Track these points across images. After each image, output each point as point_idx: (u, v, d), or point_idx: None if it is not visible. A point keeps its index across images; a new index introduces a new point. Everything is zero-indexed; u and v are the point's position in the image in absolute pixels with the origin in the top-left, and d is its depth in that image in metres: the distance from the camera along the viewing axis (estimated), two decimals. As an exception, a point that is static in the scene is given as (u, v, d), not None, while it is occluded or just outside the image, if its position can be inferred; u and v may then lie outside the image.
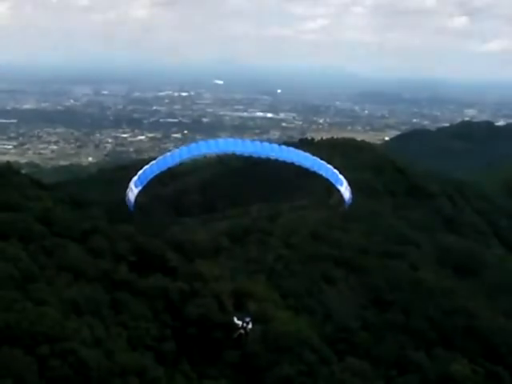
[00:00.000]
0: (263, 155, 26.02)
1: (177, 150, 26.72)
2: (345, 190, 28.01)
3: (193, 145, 26.55)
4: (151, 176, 26.40)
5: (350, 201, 28.15)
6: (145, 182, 26.34)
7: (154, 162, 26.57)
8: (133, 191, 26.38)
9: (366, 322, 55.73)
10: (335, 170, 27.05)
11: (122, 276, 58.78)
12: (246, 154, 26.15)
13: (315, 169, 26.56)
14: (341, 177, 27.47)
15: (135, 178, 26.48)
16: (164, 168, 26.56)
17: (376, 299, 62.99)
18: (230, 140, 28.52)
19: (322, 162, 27.08)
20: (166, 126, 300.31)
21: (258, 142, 26.60)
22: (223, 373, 37.36)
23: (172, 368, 41.99)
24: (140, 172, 26.31)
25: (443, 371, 47.60)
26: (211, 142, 27.31)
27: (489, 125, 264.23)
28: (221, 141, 28.05)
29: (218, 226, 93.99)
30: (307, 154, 26.58)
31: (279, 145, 27.36)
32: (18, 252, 55.05)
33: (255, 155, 25.83)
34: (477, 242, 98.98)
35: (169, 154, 26.84)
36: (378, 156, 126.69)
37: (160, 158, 26.35)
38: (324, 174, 26.87)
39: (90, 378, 39.94)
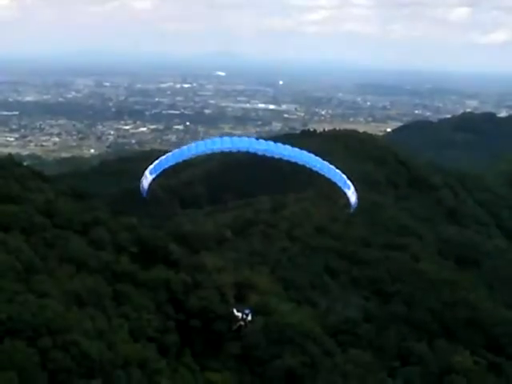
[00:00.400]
0: (277, 156, 26.52)
1: (193, 144, 27.37)
2: (351, 194, 28.35)
3: (208, 141, 27.14)
4: (166, 166, 27.14)
5: (356, 205, 28.56)
6: (159, 171, 27.16)
7: (169, 153, 27.38)
8: (147, 178, 27.32)
9: (369, 314, 55.71)
10: (343, 175, 27.51)
11: (124, 267, 58.82)
12: (260, 153, 26.61)
13: (324, 172, 27.05)
14: (348, 181, 27.93)
15: (151, 166, 27.48)
16: (179, 160, 27.22)
17: (378, 291, 62.97)
18: (245, 138, 29.00)
19: (331, 166, 27.60)
20: (167, 118, 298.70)
21: (272, 143, 27.20)
22: (226, 365, 37.39)
23: (175, 360, 42.00)
24: (156, 162, 27.24)
25: (445, 362, 47.62)
26: (226, 139, 27.81)
27: (491, 116, 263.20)
28: (235, 139, 28.49)
29: (222, 217, 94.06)
30: (318, 158, 27.15)
31: (292, 146, 27.84)
32: (20, 244, 55.08)
33: (269, 155, 26.33)
34: (478, 234, 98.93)
35: (185, 147, 27.56)
36: (380, 147, 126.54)
37: (176, 150, 27.15)
38: (332, 178, 27.31)
39: (93, 370, 39.93)
